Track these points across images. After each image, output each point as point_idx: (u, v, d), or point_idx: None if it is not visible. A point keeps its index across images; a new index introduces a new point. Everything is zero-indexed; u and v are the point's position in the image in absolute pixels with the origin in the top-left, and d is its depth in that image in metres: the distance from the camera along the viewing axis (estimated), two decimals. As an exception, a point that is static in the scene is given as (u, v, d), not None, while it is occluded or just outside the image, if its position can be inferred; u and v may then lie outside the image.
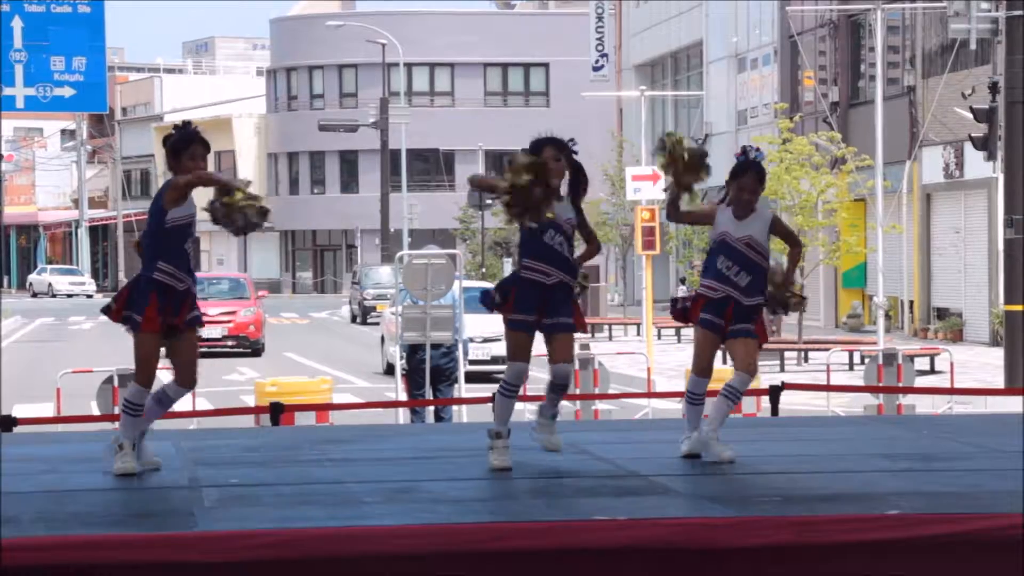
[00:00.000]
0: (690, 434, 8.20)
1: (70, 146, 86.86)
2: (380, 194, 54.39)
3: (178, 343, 7.61)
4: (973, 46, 29.19)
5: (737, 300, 8.08)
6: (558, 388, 7.94)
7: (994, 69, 28.62)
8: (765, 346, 30.22)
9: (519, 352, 7.80)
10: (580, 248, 8.04)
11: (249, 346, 33.30)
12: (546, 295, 7.77)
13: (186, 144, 7.63)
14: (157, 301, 7.52)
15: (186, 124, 7.74)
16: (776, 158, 31.19)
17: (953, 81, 33.46)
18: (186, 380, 7.60)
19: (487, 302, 7.88)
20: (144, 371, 7.58)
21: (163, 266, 7.53)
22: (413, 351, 16.04)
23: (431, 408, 15.83)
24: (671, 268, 48.59)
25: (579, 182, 7.91)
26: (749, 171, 8.13)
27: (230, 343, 33.00)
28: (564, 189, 7.93)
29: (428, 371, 16.07)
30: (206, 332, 30.90)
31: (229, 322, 32.95)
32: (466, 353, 16.60)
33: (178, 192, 7.52)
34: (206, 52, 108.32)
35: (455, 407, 16.25)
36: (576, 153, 7.88)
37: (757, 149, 8.27)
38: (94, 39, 44.45)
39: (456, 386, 16.29)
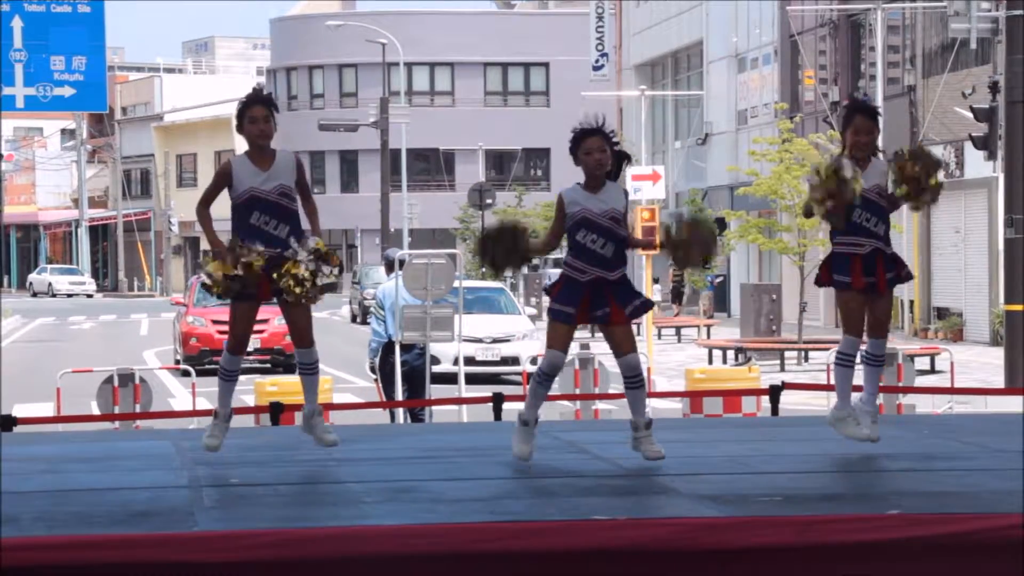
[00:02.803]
0: (846, 412, 8.24)
1: (70, 146, 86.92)
2: (380, 194, 54.39)
3: (286, 310, 7.93)
4: (973, 46, 29.21)
5: (882, 250, 8.07)
6: (630, 383, 7.71)
7: (994, 69, 28.62)
8: (765, 346, 29.93)
9: (554, 341, 7.70)
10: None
11: (284, 361, 27.71)
12: (585, 291, 7.68)
13: (245, 107, 7.86)
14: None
15: (255, 90, 7.98)
16: (776, 158, 31.20)
17: (953, 81, 33.46)
18: (300, 343, 7.91)
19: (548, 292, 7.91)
20: (231, 336, 7.99)
21: (242, 242, 7.83)
22: (387, 352, 15.93)
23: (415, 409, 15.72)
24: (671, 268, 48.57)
25: (620, 167, 7.78)
26: (858, 112, 8.03)
27: (263, 358, 27.94)
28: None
29: (428, 372, 16.05)
30: None
31: (260, 331, 27.00)
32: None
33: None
34: (206, 52, 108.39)
35: (455, 407, 16.23)
36: (617, 144, 7.78)
37: (864, 94, 8.24)
38: (94, 39, 44.48)
39: (426, 387, 16.11)
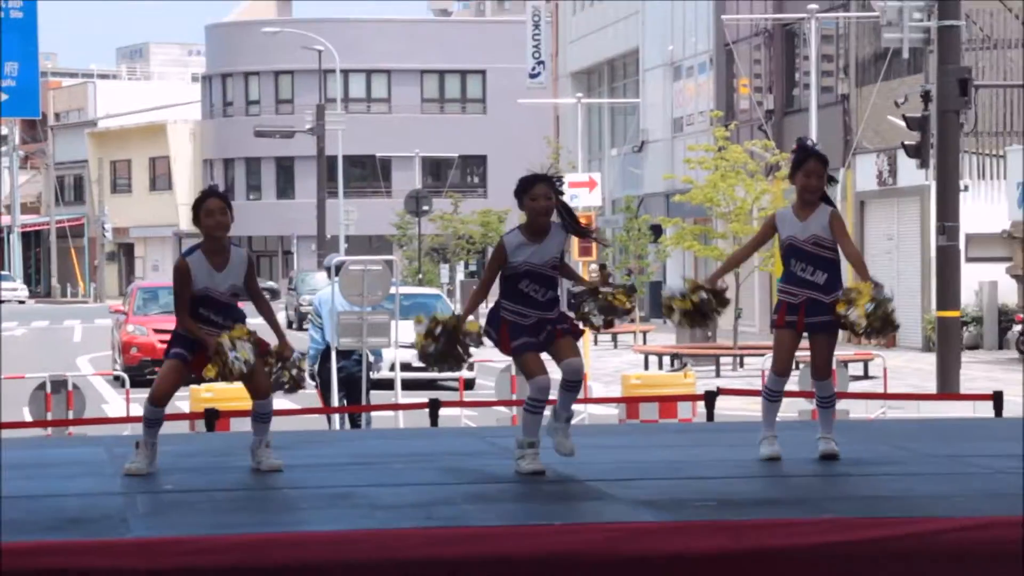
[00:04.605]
0: (767, 435, 8.31)
1: (2, 151, 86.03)
2: (316, 200, 54.23)
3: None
4: (906, 55, 29.42)
5: (818, 299, 8.16)
6: (568, 385, 7.87)
7: (926, 78, 28.88)
8: (700, 352, 29.91)
9: (534, 368, 7.80)
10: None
11: None
12: (530, 326, 7.81)
13: (200, 200, 8.04)
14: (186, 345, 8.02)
15: (210, 187, 8.22)
16: (711, 166, 31.36)
17: (886, 89, 33.76)
18: (256, 394, 8.08)
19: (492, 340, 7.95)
20: (157, 390, 8.08)
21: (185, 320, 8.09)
22: (324, 359, 15.89)
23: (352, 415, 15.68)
24: (607, 275, 48.67)
25: (573, 219, 7.93)
26: (811, 156, 8.21)
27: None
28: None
29: (365, 378, 16.02)
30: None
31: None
32: (376, 361, 16.43)
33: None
34: (140, 58, 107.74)
35: (391, 413, 16.19)
36: (563, 194, 7.91)
37: (814, 143, 8.43)
38: (26, 43, 44.10)
39: (365, 394, 16.06)
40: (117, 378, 22.04)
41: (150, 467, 7.94)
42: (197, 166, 73.75)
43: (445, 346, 7.86)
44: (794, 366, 8.67)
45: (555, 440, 7.92)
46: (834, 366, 16.39)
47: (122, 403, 18.62)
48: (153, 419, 8.02)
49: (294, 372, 8.12)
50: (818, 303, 8.17)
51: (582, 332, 8.07)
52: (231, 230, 8.01)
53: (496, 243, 7.94)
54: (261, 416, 8.08)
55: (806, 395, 15.88)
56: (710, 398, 12.62)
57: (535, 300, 7.80)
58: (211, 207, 7.95)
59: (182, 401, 18.11)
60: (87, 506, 6.98)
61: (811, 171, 8.21)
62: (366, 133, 66.24)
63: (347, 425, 15.54)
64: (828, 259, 8.20)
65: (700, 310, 8.34)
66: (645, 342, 35.50)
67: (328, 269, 16.59)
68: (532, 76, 54.88)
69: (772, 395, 8.39)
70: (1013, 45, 33.29)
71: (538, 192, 7.74)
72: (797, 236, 8.19)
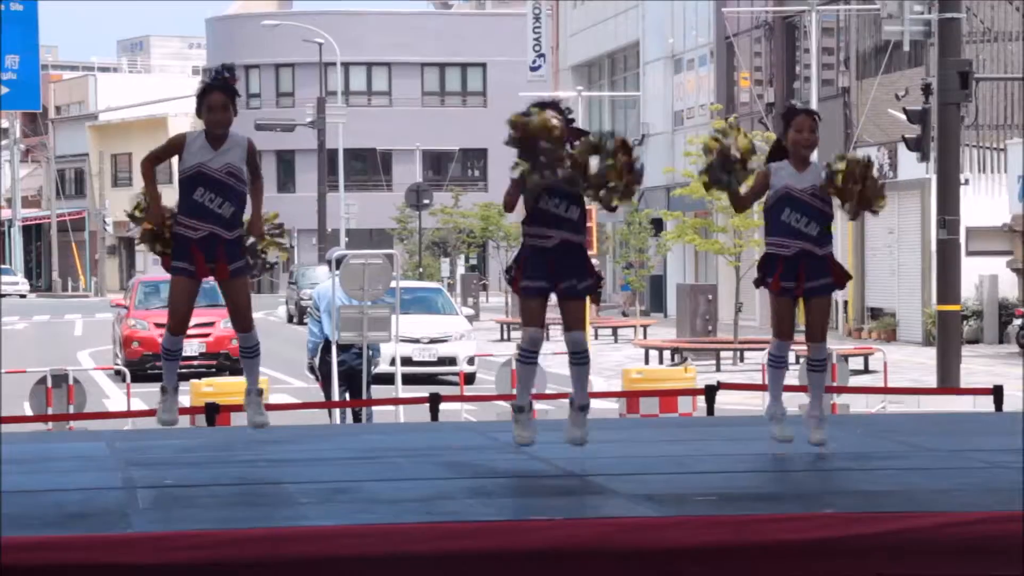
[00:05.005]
0: (776, 411, 8.29)
1: (3, 145, 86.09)
2: (317, 194, 54.22)
3: (226, 290, 7.98)
4: (906, 48, 29.45)
5: (811, 251, 8.07)
6: (575, 359, 7.79)
7: (927, 71, 28.87)
8: (701, 346, 30.06)
9: (529, 318, 7.73)
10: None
11: (230, 366, 26.26)
12: (551, 258, 7.71)
13: (203, 93, 7.73)
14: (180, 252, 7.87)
15: (222, 69, 7.81)
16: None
17: (887, 82, 33.75)
18: (240, 325, 8.01)
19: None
20: (171, 317, 8.02)
21: (180, 219, 7.82)
22: (324, 352, 15.91)
23: (353, 409, 15.69)
24: (608, 267, 48.70)
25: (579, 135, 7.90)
26: (801, 112, 8.14)
27: (209, 363, 26.77)
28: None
29: (365, 373, 16.02)
30: None
31: (206, 335, 26.65)
32: (374, 356, 16.45)
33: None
34: (141, 51, 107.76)
35: (390, 408, 16.20)
36: (573, 121, 7.86)
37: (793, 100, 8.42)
38: (27, 37, 44.12)
39: (367, 388, 16.08)
40: (118, 372, 22.08)
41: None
42: (198, 159, 73.70)
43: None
44: (794, 359, 8.69)
45: (566, 429, 7.87)
46: (834, 361, 16.43)
47: (123, 397, 18.63)
48: (172, 350, 8.02)
49: (262, 257, 8.08)
50: (814, 262, 8.08)
51: (598, 288, 7.95)
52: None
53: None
54: (247, 351, 8.09)
55: (804, 389, 15.86)
56: (710, 392, 12.62)
57: (557, 216, 7.70)
58: (212, 103, 7.69)
59: (183, 396, 18.12)
60: (87, 501, 6.98)
61: (801, 125, 8.09)
62: (367, 126, 66.25)
63: (348, 419, 15.56)
64: (824, 212, 8.11)
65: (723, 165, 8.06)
66: (646, 336, 35.50)
67: (329, 263, 16.60)
68: (533, 69, 54.87)
69: (778, 361, 8.31)
70: (1014, 38, 33.28)
71: (547, 116, 7.75)
72: (794, 186, 8.06)
